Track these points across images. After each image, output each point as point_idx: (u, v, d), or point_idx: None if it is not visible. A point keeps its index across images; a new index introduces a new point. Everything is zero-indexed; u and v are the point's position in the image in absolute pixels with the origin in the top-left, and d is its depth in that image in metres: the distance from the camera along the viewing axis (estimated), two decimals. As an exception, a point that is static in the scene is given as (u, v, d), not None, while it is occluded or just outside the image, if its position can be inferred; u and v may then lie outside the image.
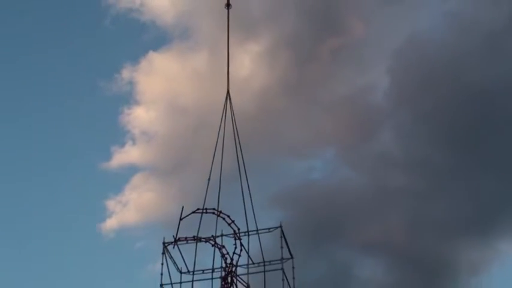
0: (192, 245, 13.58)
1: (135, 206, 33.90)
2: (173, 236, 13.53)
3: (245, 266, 13.40)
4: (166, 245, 13.46)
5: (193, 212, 13.60)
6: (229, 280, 13.06)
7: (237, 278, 13.17)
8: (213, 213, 13.65)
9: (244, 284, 13.11)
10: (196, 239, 13.59)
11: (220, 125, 15.40)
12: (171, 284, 13.06)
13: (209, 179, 14.54)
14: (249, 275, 13.25)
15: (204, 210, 13.67)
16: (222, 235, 13.42)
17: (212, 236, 13.44)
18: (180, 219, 13.45)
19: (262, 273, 13.02)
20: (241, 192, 14.27)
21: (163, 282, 13.06)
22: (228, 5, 16.95)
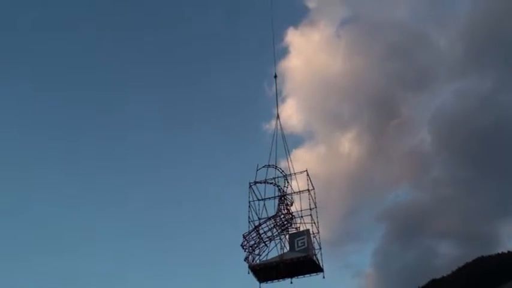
0: (263, 184, 26.52)
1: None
2: (254, 181, 26.55)
3: (290, 193, 25.86)
4: (251, 184, 26.49)
5: (263, 166, 26.51)
6: (283, 200, 25.64)
7: (286, 198, 25.69)
8: (273, 167, 26.43)
9: (290, 201, 25.57)
10: (265, 182, 26.45)
11: (276, 127, 28.20)
12: (253, 200, 26.00)
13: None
14: (292, 197, 25.69)
15: (269, 165, 26.50)
16: (277, 177, 26.14)
17: (273, 177, 26.23)
18: (257, 170, 26.48)
19: (299, 195, 25.48)
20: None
21: (250, 200, 26.01)
22: (275, 76, 29.91)
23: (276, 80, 30.19)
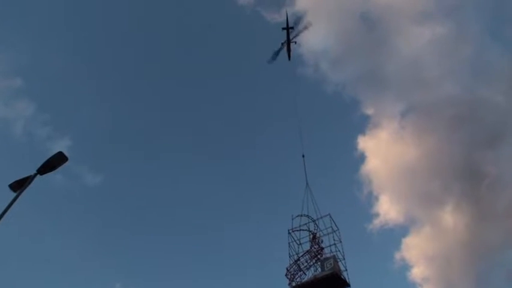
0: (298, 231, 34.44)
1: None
2: (291, 229, 34.59)
3: (319, 234, 33.48)
4: (289, 231, 34.48)
5: (297, 216, 34.73)
6: (314, 239, 33.21)
7: (316, 237, 33.23)
8: (305, 216, 34.58)
9: (321, 239, 33.04)
10: (300, 229, 34.42)
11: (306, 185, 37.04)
12: (292, 242, 33.69)
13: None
14: (321, 238, 33.19)
15: (301, 215, 34.69)
16: (308, 222, 34.09)
17: (305, 223, 34.20)
18: (292, 219, 34.68)
19: (327, 236, 33.03)
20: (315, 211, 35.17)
21: (289, 241, 33.71)
22: (303, 156, 39.75)
23: (304, 159, 39.80)
